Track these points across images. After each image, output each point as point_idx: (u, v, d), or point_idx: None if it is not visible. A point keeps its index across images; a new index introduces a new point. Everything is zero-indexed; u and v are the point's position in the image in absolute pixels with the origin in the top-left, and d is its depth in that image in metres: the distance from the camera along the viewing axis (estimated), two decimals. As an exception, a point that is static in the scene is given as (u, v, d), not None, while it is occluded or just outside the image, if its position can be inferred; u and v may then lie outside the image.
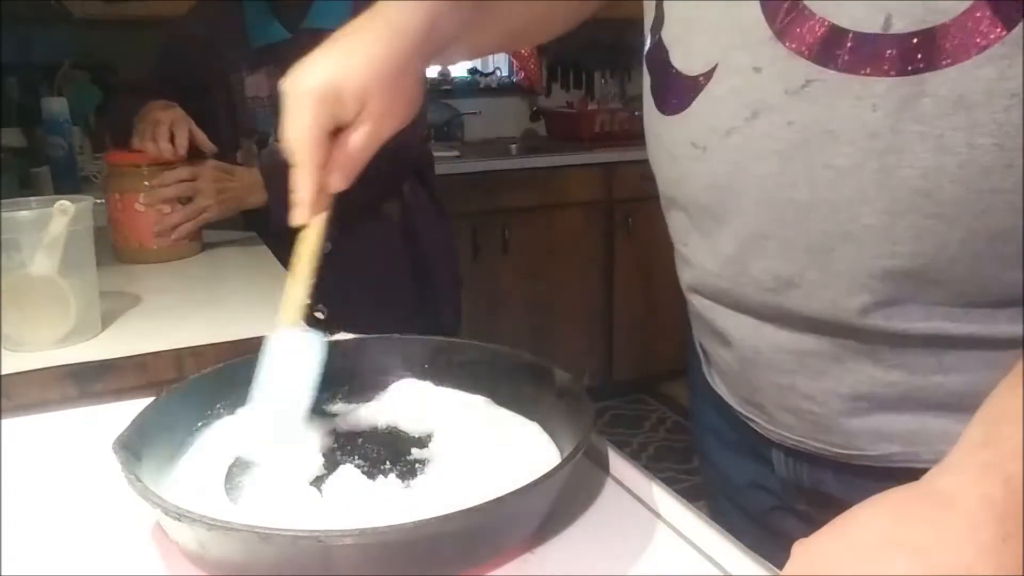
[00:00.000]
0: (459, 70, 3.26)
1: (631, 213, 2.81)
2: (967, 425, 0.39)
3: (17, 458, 0.63)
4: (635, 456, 1.67)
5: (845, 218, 0.47)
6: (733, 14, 0.50)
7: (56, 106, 1.83)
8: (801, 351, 0.53)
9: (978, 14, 0.41)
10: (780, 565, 0.51)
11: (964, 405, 0.45)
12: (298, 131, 0.57)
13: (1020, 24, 0.40)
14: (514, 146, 3.17)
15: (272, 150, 1.45)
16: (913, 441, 0.52)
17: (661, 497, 0.54)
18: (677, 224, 0.60)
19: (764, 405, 0.59)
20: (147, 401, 0.58)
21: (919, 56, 0.43)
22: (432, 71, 3.07)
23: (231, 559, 0.45)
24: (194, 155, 1.32)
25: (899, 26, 0.43)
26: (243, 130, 1.47)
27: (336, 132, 0.58)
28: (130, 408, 0.57)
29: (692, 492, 0.58)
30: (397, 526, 0.42)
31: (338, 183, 0.59)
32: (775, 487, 0.64)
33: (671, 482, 0.55)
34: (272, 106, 1.43)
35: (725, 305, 0.57)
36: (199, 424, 0.61)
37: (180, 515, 0.44)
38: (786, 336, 0.54)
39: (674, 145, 0.56)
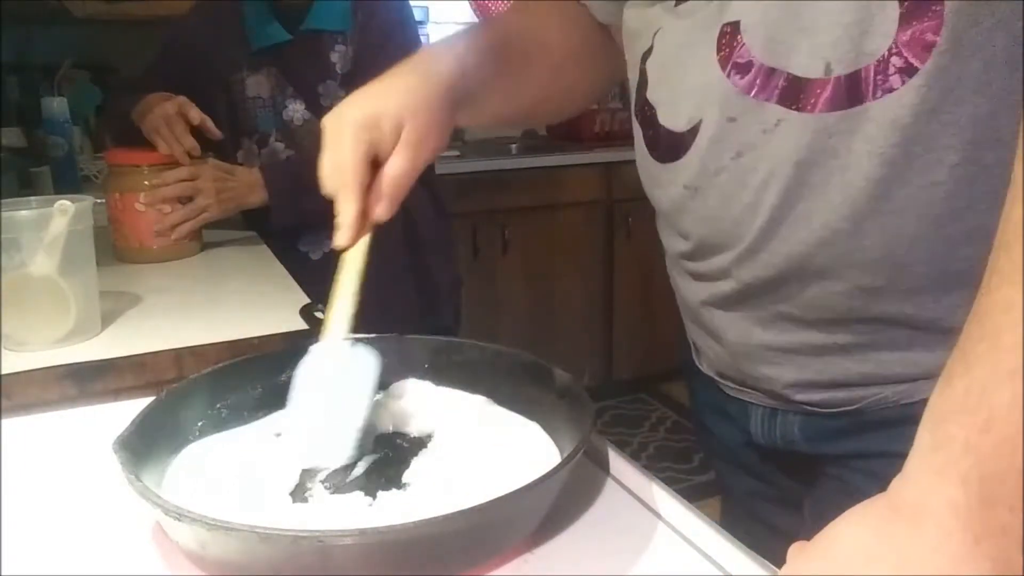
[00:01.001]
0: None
1: (631, 213, 2.81)
2: (918, 429, 0.40)
3: (17, 458, 0.63)
4: (635, 456, 1.67)
5: (819, 226, 0.56)
6: (701, 80, 0.59)
7: (56, 106, 1.82)
8: (786, 347, 0.62)
9: (897, 54, 0.51)
10: (781, 519, 0.73)
11: (922, 378, 0.58)
12: (340, 156, 0.60)
13: (930, 59, 0.50)
14: (514, 146, 3.17)
15: (273, 151, 1.45)
16: (877, 395, 0.61)
17: (661, 497, 0.54)
18: (678, 247, 0.68)
19: (755, 389, 0.68)
20: (147, 401, 0.58)
21: (859, 92, 0.52)
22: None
23: (231, 559, 0.45)
24: (194, 155, 1.32)
25: (838, 70, 0.52)
26: (243, 130, 1.47)
27: (376, 166, 0.62)
28: (130, 408, 0.57)
29: (692, 492, 0.59)
30: (397, 526, 0.42)
31: (383, 212, 0.62)
32: (759, 441, 0.71)
33: (671, 482, 0.55)
34: (272, 106, 1.43)
35: (720, 308, 0.65)
36: (199, 424, 0.61)
37: (180, 515, 0.44)
38: (774, 335, 0.62)
39: (668, 185, 0.64)
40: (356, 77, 1.40)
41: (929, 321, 0.57)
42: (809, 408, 0.64)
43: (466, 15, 3.18)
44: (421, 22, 3.13)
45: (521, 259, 2.81)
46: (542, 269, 2.85)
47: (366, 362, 0.58)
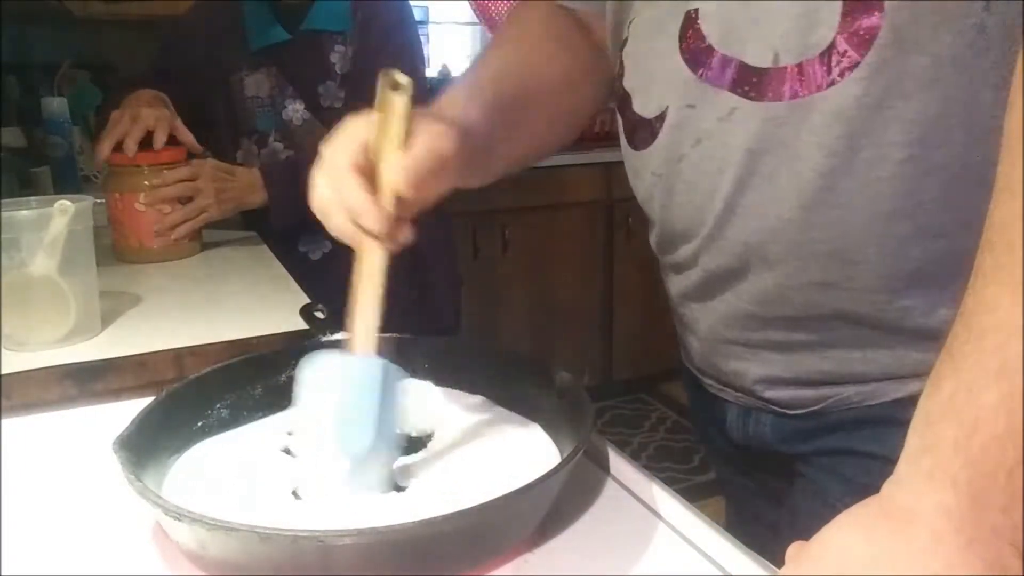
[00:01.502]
0: (459, 70, 3.26)
1: (631, 213, 2.81)
2: (908, 432, 0.40)
3: (17, 458, 0.63)
4: (635, 456, 1.66)
5: (772, 216, 0.57)
6: (665, 65, 0.60)
7: (56, 106, 1.82)
8: (751, 343, 0.63)
9: (839, 47, 0.51)
10: (776, 519, 0.72)
11: (884, 379, 0.59)
12: (330, 166, 0.53)
13: (871, 52, 0.50)
14: (514, 146, 3.17)
15: (272, 150, 1.45)
16: (841, 395, 0.62)
17: (661, 497, 0.54)
18: (654, 238, 0.69)
19: (728, 383, 0.69)
20: (147, 401, 0.58)
21: (805, 82, 0.53)
22: (434, 69, 3.07)
23: (231, 559, 0.45)
24: (193, 155, 1.32)
25: (785, 60, 0.53)
26: (242, 130, 1.47)
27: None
28: (130, 408, 0.57)
29: (692, 492, 0.59)
30: (397, 526, 0.42)
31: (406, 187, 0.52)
32: (737, 440, 0.72)
33: (671, 482, 0.55)
34: (272, 106, 1.43)
35: (692, 301, 0.66)
36: (199, 424, 0.61)
37: (180, 515, 0.44)
38: (739, 330, 0.63)
39: (643, 173, 0.66)
40: (356, 77, 1.39)
41: (885, 321, 0.57)
42: (778, 409, 0.65)
43: (466, 15, 3.18)
44: (421, 22, 3.13)
45: (521, 259, 2.81)
46: (542, 269, 2.85)
47: (393, 380, 0.55)
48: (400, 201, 0.52)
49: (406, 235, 0.54)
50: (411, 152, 0.52)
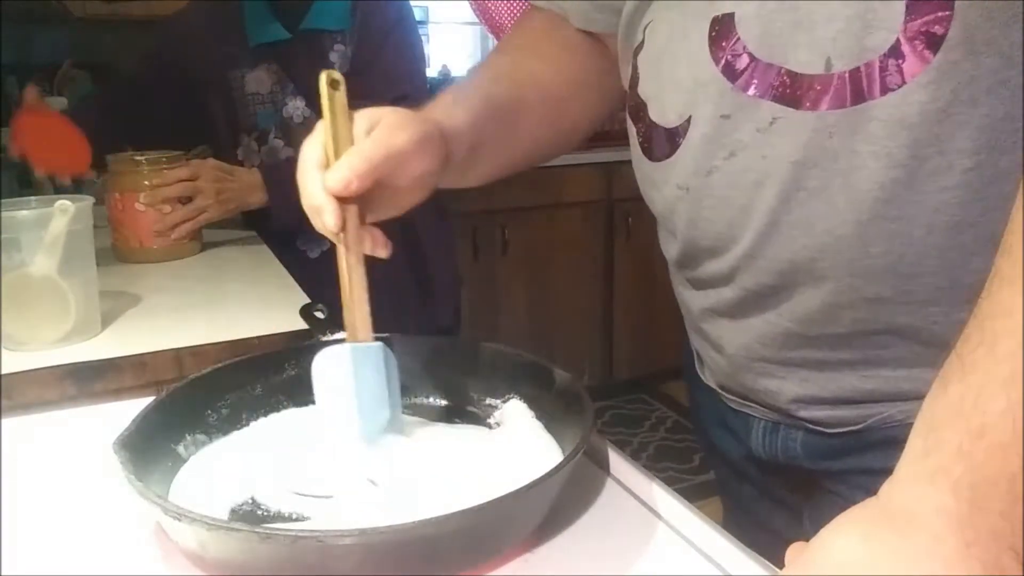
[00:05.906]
0: (459, 70, 3.26)
1: (631, 213, 2.81)
2: (911, 433, 0.40)
3: (17, 458, 0.63)
4: (635, 456, 1.67)
5: (821, 231, 0.54)
6: (692, 73, 0.56)
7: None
8: (789, 361, 0.60)
9: (903, 49, 0.48)
10: (782, 524, 0.72)
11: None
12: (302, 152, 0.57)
13: (939, 54, 0.48)
14: (514, 146, 3.16)
15: (272, 148, 1.45)
16: (883, 413, 0.59)
17: (661, 497, 0.54)
18: (674, 253, 0.66)
19: (757, 403, 0.66)
20: (147, 401, 0.58)
21: (862, 89, 0.50)
22: (434, 69, 3.07)
23: (231, 559, 0.45)
24: (194, 155, 1.32)
25: (839, 66, 0.50)
26: (243, 127, 1.47)
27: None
28: (130, 408, 0.57)
29: (692, 492, 0.59)
30: (397, 526, 0.42)
31: (334, 183, 0.54)
32: (760, 455, 0.70)
33: (671, 482, 0.55)
34: (272, 103, 1.43)
35: (723, 317, 0.63)
36: (200, 423, 0.61)
37: (180, 515, 0.44)
38: (776, 348, 0.60)
39: (662, 186, 0.62)
40: (355, 76, 1.39)
41: (937, 336, 0.54)
42: (812, 426, 0.63)
43: (466, 15, 3.18)
44: (421, 22, 3.13)
45: (521, 259, 2.81)
46: (542, 269, 2.85)
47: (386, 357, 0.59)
48: (354, 204, 0.54)
49: (376, 243, 0.58)
50: (357, 147, 0.54)
